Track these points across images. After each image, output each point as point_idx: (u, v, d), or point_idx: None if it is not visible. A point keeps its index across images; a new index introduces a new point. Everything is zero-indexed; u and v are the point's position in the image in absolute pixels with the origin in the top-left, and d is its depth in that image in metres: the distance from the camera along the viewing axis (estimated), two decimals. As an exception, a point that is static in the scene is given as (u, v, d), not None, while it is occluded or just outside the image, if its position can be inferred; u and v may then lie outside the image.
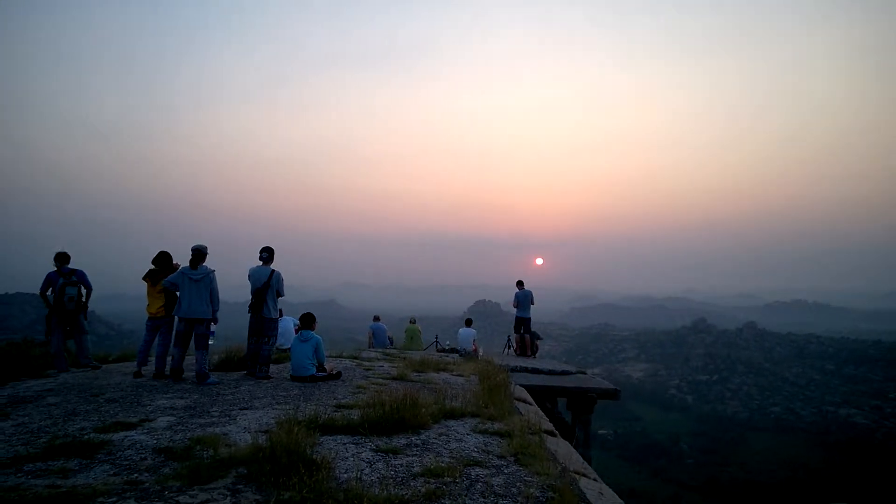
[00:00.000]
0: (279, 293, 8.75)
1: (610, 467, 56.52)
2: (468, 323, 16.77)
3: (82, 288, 8.63)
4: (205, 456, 4.37)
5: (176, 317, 8.17)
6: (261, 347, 8.48)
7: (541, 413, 7.95)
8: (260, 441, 4.35)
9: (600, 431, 72.52)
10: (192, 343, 8.06)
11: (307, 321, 8.79)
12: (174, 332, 8.25)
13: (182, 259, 8.42)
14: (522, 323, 16.70)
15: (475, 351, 15.35)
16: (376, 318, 17.51)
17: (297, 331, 9.13)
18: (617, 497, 4.72)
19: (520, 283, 16.64)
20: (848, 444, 78.68)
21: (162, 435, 5.04)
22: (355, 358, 11.34)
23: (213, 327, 8.20)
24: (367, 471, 4.24)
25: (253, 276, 8.62)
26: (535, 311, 16.72)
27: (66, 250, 8.72)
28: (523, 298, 16.48)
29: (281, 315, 12.66)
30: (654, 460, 73.27)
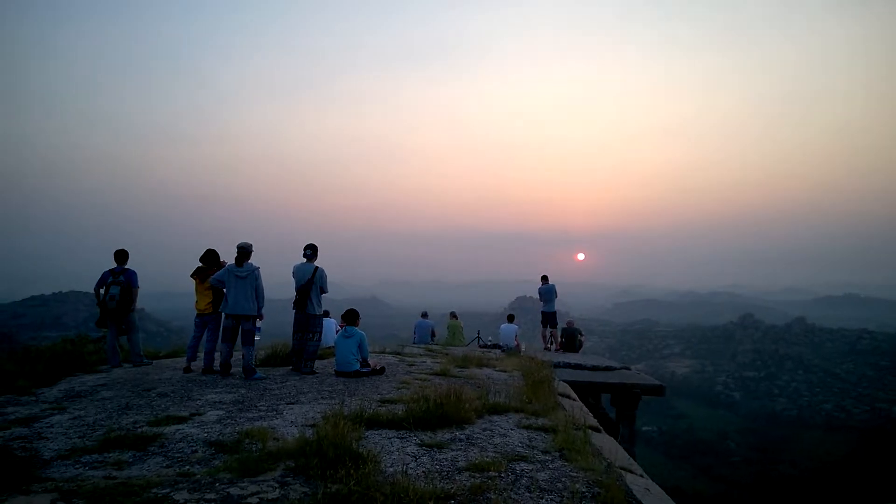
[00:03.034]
0: (323, 290, 8.85)
1: (655, 464, 55.51)
2: (510, 319, 16.68)
3: (132, 287, 8.86)
4: (254, 449, 4.46)
5: (223, 313, 8.36)
6: (306, 343, 8.61)
7: (585, 409, 7.84)
8: (307, 435, 4.42)
9: (644, 428, 71.29)
10: (238, 339, 8.24)
11: (351, 317, 8.86)
12: (221, 329, 8.45)
13: (228, 257, 8.62)
14: (548, 317, 16.57)
15: (517, 347, 15.26)
16: (424, 315, 17.48)
17: (338, 329, 9.22)
18: (664, 493, 4.62)
19: (544, 278, 16.53)
20: (905, 443, 75.36)
21: (212, 428, 5.16)
22: (398, 354, 11.40)
23: (258, 324, 8.37)
24: (412, 465, 4.25)
25: (297, 272, 8.73)
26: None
27: (125, 249, 8.98)
28: (546, 293, 16.36)
29: (326, 315, 12.81)
30: (700, 458, 71.64)
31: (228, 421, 5.47)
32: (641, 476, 4.92)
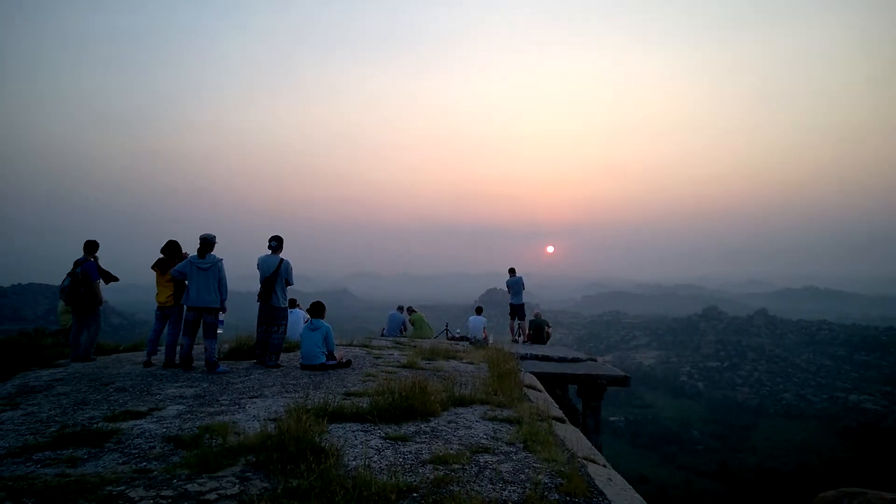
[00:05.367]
0: (288, 282, 8.75)
1: (621, 454, 56.63)
2: (478, 311, 16.75)
3: (89, 279, 8.60)
4: (214, 444, 4.37)
5: (185, 306, 8.19)
6: (270, 336, 8.49)
7: (550, 400, 7.91)
8: (269, 429, 4.34)
9: (611, 418, 72.64)
10: (200, 332, 8.08)
11: (317, 310, 8.78)
12: (183, 321, 8.28)
13: (190, 248, 8.44)
14: (516, 309, 16.71)
15: (485, 339, 15.34)
16: (400, 309, 17.43)
17: (306, 321, 9.12)
18: (626, 482, 4.67)
19: (511, 271, 16.66)
20: (859, 430, 78.32)
21: (171, 423, 5.05)
22: (365, 346, 11.34)
23: (221, 316, 8.22)
24: (375, 458, 4.22)
25: (262, 264, 8.61)
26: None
27: (92, 240, 8.73)
28: (514, 285, 16.49)
29: (296, 305, 12.65)
30: (664, 447, 73.34)
31: (189, 416, 5.35)
32: (604, 466, 4.98)
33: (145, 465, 3.94)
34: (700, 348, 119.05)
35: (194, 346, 8.24)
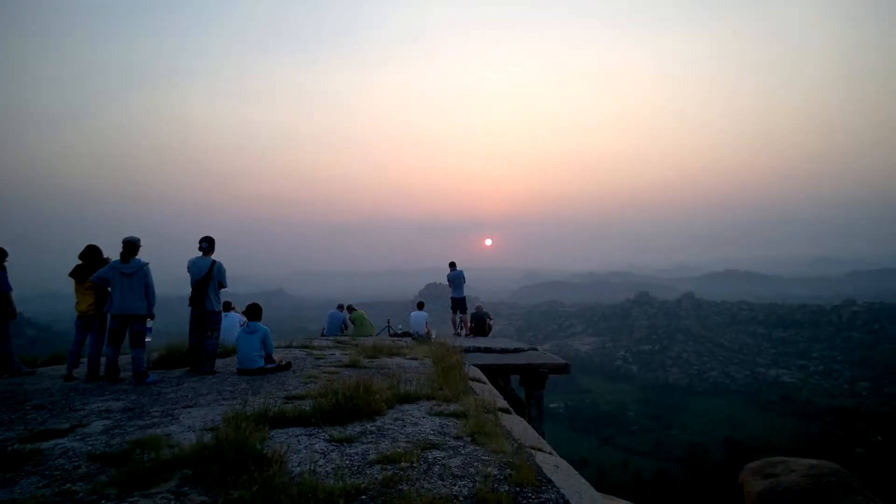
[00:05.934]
0: (221, 284, 8.40)
1: (562, 439, 58.15)
2: (420, 306, 16.70)
3: (3, 290, 7.98)
4: (145, 459, 4.10)
5: (108, 314, 7.70)
6: (204, 342, 8.12)
7: (495, 391, 7.94)
8: (205, 439, 4.12)
9: (552, 405, 74.38)
10: (127, 341, 7.62)
11: (254, 312, 8.49)
12: (107, 331, 7.78)
13: (113, 253, 7.94)
14: (457, 303, 16.82)
15: (428, 334, 15.32)
16: (340, 307, 17.16)
17: (242, 324, 8.82)
18: (572, 469, 4.73)
19: (452, 265, 16.74)
20: (779, 402, 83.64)
21: (97, 440, 4.71)
22: (306, 347, 11.07)
23: (149, 323, 7.79)
24: (321, 462, 4.08)
25: (192, 267, 8.22)
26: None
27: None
28: (454, 279, 16.59)
29: (231, 308, 12.18)
30: (602, 429, 75.88)
31: (116, 431, 5.01)
32: (550, 454, 5.02)
33: (69, 487, 3.64)
34: (633, 333, 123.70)
35: (120, 356, 7.77)
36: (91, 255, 8.12)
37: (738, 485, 13.17)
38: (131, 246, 7.62)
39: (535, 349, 14.56)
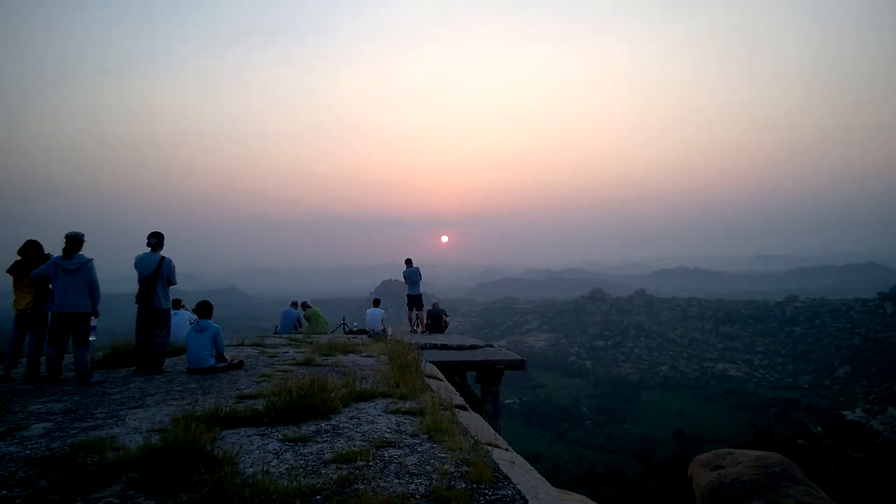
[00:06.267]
0: (171, 281, 8.15)
1: (517, 435, 58.81)
2: (376, 303, 16.60)
3: None
4: (89, 462, 3.94)
5: (49, 312, 7.36)
6: (152, 340, 7.87)
7: (451, 388, 7.97)
8: (153, 441, 3.99)
9: (507, 401, 75.19)
10: (70, 340, 7.31)
11: (204, 310, 8.26)
12: (48, 329, 7.44)
13: (55, 248, 7.60)
14: (414, 300, 16.82)
15: (384, 331, 15.25)
16: (294, 304, 16.89)
17: (192, 323, 8.59)
18: (528, 464, 4.79)
19: (408, 261, 16.73)
20: (726, 395, 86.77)
21: (37, 444, 4.50)
22: (258, 345, 10.85)
23: (94, 322, 7.49)
24: (274, 462, 4.01)
25: (140, 263, 7.95)
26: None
27: None
28: (410, 276, 16.59)
29: (181, 306, 11.83)
30: (557, 424, 77.11)
31: (58, 434, 4.80)
32: (507, 450, 5.07)
33: (5, 494, 3.46)
34: (587, 328, 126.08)
35: (63, 357, 7.45)
36: (31, 250, 7.76)
37: (687, 477, 13.60)
38: (74, 241, 7.30)
39: (491, 346, 14.68)
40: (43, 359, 7.49)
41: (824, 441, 56.99)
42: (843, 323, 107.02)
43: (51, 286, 7.27)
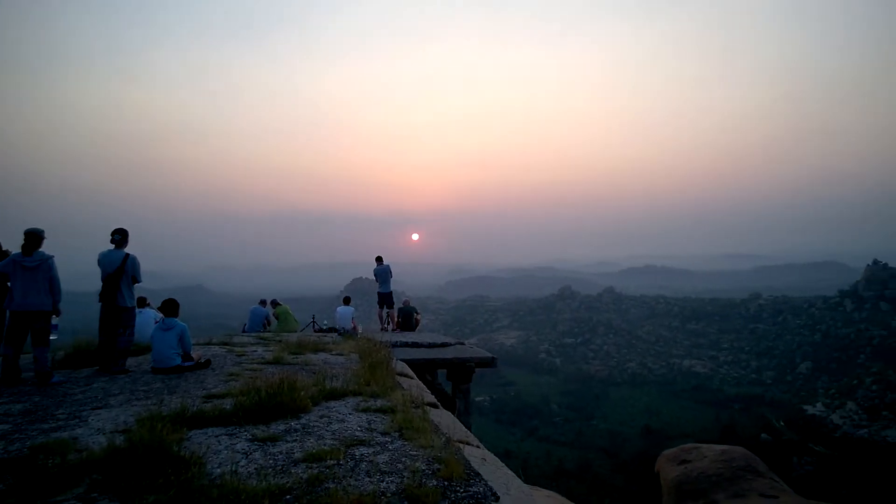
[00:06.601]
0: (135, 279, 7.97)
1: (487, 432, 59.17)
2: (346, 301, 16.51)
3: None
4: (50, 465, 3.83)
5: (7, 311, 7.13)
6: (115, 339, 7.68)
7: (422, 386, 7.97)
8: (117, 442, 3.90)
9: (478, 399, 75.58)
10: (29, 339, 7.09)
11: (170, 308, 8.09)
12: (6, 329, 7.20)
13: (13, 245, 7.35)
14: (384, 298, 16.79)
15: (354, 329, 15.17)
16: (262, 303, 16.68)
17: (157, 321, 8.41)
18: (499, 461, 4.82)
19: (379, 259, 16.69)
20: (692, 391, 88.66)
21: (-6, 446, 4.36)
22: (226, 344, 10.69)
23: (55, 320, 7.28)
24: (243, 462, 3.95)
25: (103, 260, 7.75)
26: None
27: None
28: (381, 274, 16.56)
29: (146, 305, 11.57)
30: (527, 421, 77.79)
31: (17, 436, 4.65)
32: (478, 447, 5.09)
33: (-40, 499, 3.36)
34: (557, 326, 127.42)
35: (22, 356, 7.22)
36: (-13, 247, 7.52)
37: (655, 472, 13.87)
38: (34, 237, 7.08)
39: (462, 343, 14.74)
40: (0, 359, 7.25)
41: (787, 435, 58.72)
42: (805, 320, 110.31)
43: (9, 284, 7.04)
